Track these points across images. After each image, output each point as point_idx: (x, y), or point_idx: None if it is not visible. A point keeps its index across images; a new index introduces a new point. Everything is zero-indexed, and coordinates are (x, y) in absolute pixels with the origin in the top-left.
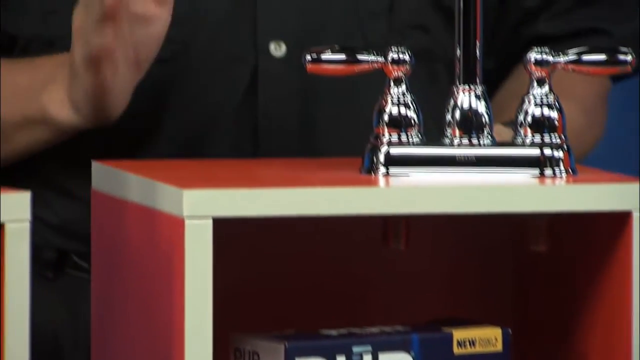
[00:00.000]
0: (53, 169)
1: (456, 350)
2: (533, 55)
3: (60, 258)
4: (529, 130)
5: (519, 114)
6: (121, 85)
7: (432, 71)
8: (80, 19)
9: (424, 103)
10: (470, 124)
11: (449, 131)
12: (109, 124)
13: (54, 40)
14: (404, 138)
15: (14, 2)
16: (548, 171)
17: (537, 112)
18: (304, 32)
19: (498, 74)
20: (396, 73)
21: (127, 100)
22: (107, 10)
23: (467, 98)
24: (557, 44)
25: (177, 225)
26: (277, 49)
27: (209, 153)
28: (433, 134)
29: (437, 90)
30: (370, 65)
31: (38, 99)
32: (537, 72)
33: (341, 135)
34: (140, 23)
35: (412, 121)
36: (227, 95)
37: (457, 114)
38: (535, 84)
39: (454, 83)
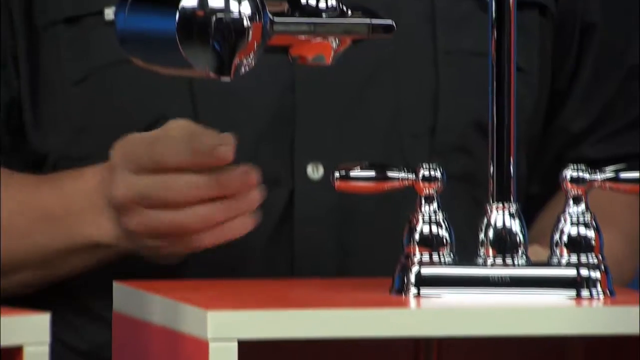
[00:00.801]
0: (80, 291)
1: None
2: (569, 172)
3: None
4: (565, 250)
5: (555, 233)
6: None
7: (476, 194)
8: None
9: (468, 227)
10: (504, 243)
11: (482, 250)
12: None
13: (84, 157)
14: (435, 258)
15: (44, 120)
16: (585, 292)
17: (573, 231)
18: (342, 154)
19: (543, 199)
20: (427, 191)
21: None
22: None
23: (500, 216)
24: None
25: (201, 347)
26: (315, 172)
27: (242, 275)
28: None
29: (481, 214)
30: (401, 183)
31: (82, 230)
32: (573, 190)
33: (380, 255)
34: None
35: (444, 240)
36: (262, 218)
37: (491, 233)
38: (571, 202)
39: (487, 201)
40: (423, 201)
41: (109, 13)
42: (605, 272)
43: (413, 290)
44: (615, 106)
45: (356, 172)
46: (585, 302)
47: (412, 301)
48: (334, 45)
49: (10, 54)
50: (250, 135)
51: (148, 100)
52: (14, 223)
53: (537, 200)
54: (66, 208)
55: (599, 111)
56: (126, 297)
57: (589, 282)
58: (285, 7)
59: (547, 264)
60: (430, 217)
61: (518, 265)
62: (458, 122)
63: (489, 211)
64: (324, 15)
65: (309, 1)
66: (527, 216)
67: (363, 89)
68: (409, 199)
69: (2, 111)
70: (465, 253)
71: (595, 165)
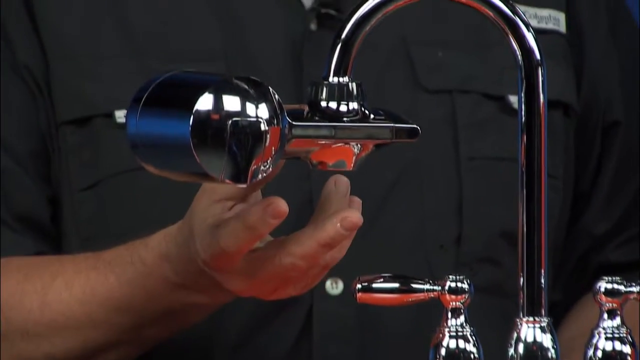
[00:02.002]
0: None
1: None
2: (603, 284)
3: None
4: None
5: (588, 349)
6: None
7: (505, 307)
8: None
9: (497, 342)
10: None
11: None
12: None
13: None
14: None
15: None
16: None
17: (608, 346)
18: (363, 267)
19: (565, 306)
20: (454, 303)
21: None
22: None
23: (531, 331)
24: (628, 272)
25: None
26: (334, 287)
27: None
28: None
29: (511, 328)
30: (426, 295)
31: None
32: (608, 303)
33: None
34: None
35: (472, 356)
36: (279, 337)
37: (521, 349)
38: (605, 315)
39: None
40: (450, 314)
41: (120, 116)
42: None
43: None
44: (638, 207)
45: (379, 284)
46: None
47: None
48: (356, 150)
49: (50, 149)
50: None
51: (161, 210)
52: (88, 313)
53: (559, 307)
54: (139, 293)
55: (622, 213)
56: None
57: None
58: (305, 110)
59: None
60: (457, 331)
61: None
62: (484, 231)
63: (519, 325)
64: (345, 119)
65: (330, 104)
66: None
67: (384, 198)
68: (433, 313)
69: (49, 207)
70: None
71: (619, 269)
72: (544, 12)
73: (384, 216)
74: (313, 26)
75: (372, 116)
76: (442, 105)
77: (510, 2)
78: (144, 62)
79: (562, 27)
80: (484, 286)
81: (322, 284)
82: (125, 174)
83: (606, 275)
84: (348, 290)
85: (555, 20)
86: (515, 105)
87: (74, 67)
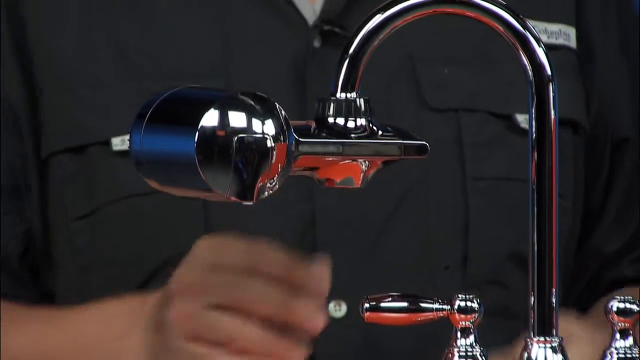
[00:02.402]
0: None
1: None
2: (615, 304)
3: None
4: None
5: None
6: None
7: (510, 329)
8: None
9: None
10: None
11: None
12: None
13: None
14: None
15: (53, 259)
16: None
17: None
18: (367, 289)
19: None
20: (463, 323)
21: None
22: None
23: (542, 351)
24: None
25: None
26: (337, 310)
27: None
28: None
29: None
30: (435, 314)
31: (114, 353)
32: (620, 323)
33: None
34: None
35: None
36: None
37: None
38: (617, 335)
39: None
40: (459, 334)
41: (117, 143)
42: None
43: None
44: None
45: (387, 303)
46: None
47: None
48: (364, 167)
49: (23, 184)
50: None
51: (159, 237)
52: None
53: None
54: (103, 330)
55: (635, 230)
56: None
57: None
58: (312, 126)
59: None
60: (466, 351)
61: None
62: (490, 252)
63: (530, 345)
64: (352, 135)
65: (337, 120)
66: None
67: (389, 218)
68: (438, 333)
69: (18, 244)
70: None
71: (634, 285)
72: (554, 27)
73: (389, 236)
74: (317, 43)
75: (380, 132)
76: (448, 124)
77: (521, 16)
78: (141, 86)
79: (572, 43)
80: (490, 309)
81: (326, 305)
82: (121, 202)
83: (620, 288)
84: (351, 312)
85: (566, 35)
86: (523, 124)
87: (69, 94)
